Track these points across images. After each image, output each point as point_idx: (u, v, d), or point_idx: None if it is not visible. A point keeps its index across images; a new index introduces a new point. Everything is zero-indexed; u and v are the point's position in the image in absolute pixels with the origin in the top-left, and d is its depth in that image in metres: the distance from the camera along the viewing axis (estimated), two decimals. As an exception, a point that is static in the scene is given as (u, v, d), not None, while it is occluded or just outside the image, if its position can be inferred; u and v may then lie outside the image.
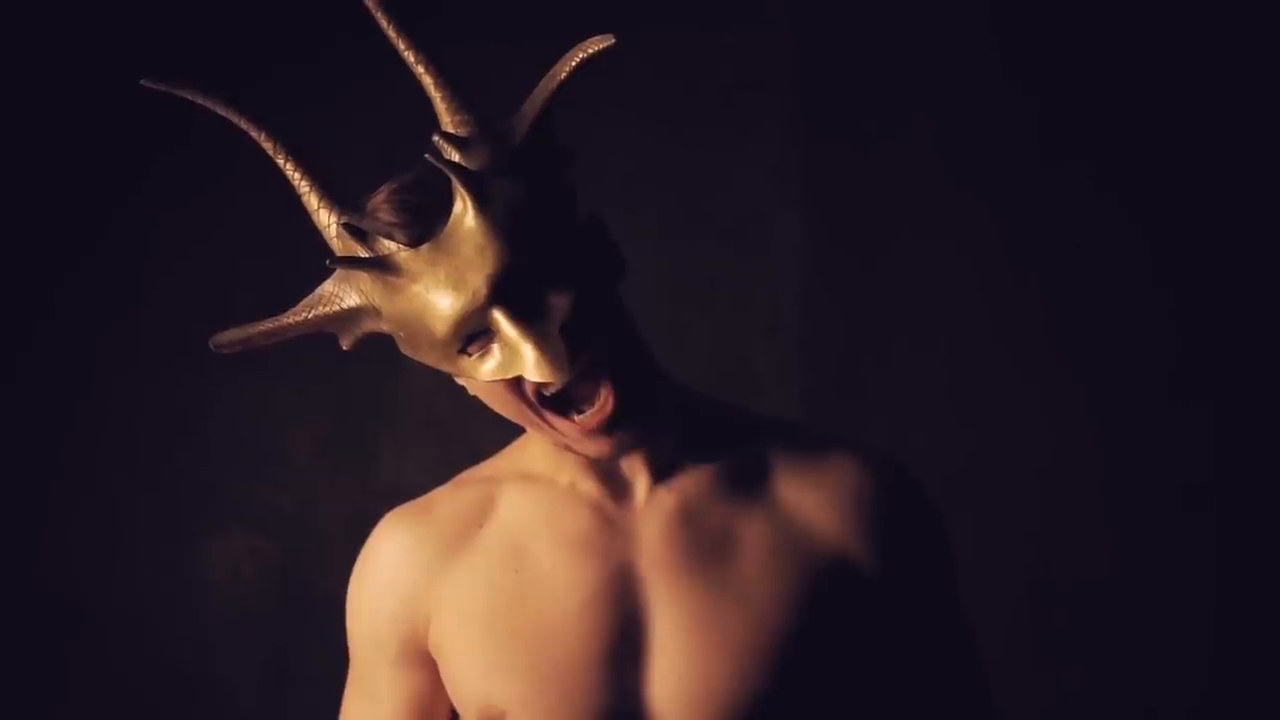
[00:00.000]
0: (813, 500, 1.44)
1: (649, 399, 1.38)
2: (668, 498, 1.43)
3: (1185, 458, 2.77)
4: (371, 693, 1.50)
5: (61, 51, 2.80)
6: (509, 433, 1.52)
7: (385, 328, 1.38)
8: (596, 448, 1.37)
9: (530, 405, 1.36)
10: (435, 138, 1.33)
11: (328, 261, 1.35)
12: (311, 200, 1.38)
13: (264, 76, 2.64)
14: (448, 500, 1.49)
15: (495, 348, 1.33)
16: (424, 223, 1.33)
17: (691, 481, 1.44)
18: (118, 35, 2.78)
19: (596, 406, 1.35)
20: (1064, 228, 2.78)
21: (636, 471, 1.43)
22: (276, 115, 1.40)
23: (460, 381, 1.40)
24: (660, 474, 1.44)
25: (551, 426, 1.37)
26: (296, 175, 1.39)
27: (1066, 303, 2.79)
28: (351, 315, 1.38)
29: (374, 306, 1.37)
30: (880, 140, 2.82)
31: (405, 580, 1.47)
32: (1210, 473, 2.76)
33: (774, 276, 2.83)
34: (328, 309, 1.38)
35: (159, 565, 2.85)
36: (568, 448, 1.39)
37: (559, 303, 1.32)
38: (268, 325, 1.39)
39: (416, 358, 1.38)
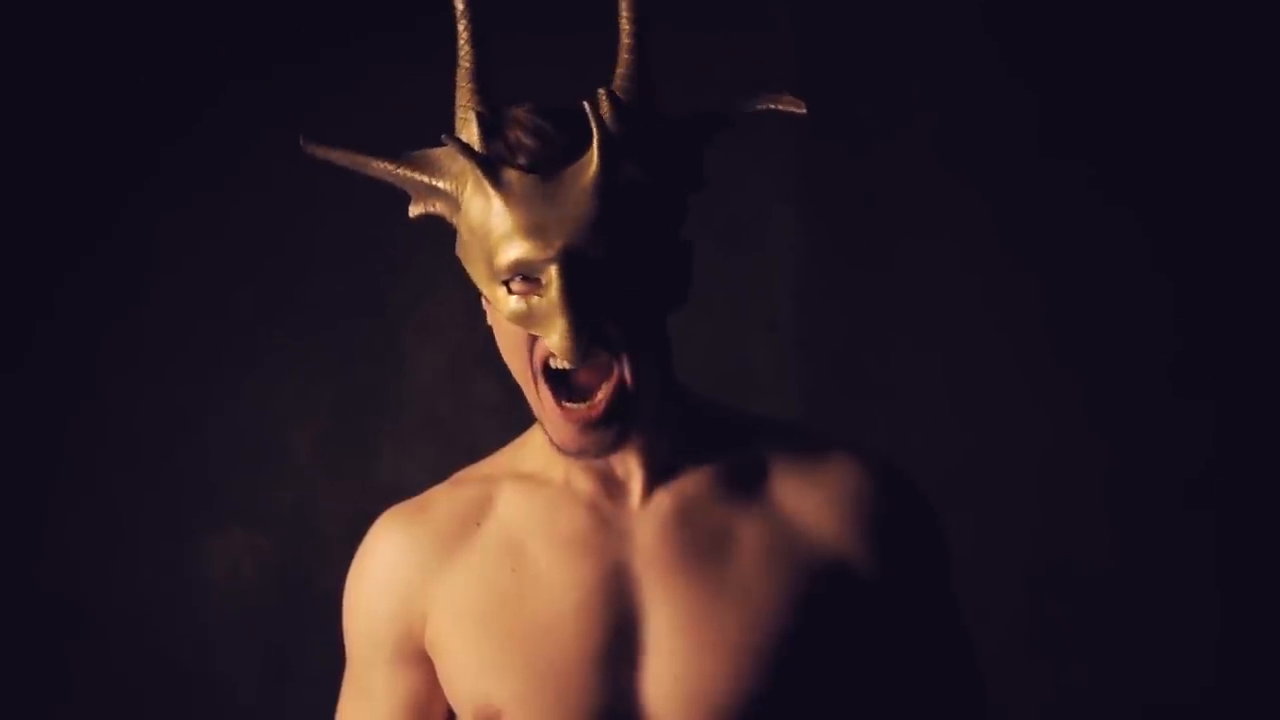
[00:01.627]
0: (810, 501, 1.44)
1: (641, 414, 1.38)
2: (665, 498, 1.44)
3: (1186, 454, 2.76)
4: (368, 691, 1.51)
5: (62, 50, 2.80)
6: (509, 432, 1.52)
7: (454, 222, 1.39)
8: (563, 437, 1.38)
9: (532, 365, 1.38)
10: (600, 90, 1.34)
11: (443, 136, 1.36)
12: (464, 76, 1.40)
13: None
14: (445, 499, 1.49)
15: (535, 299, 1.34)
16: (545, 155, 1.34)
17: (689, 482, 1.44)
18: (118, 34, 2.78)
19: (588, 404, 1.37)
20: (1063, 225, 2.78)
21: (632, 471, 1.44)
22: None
23: (485, 306, 1.41)
24: (657, 474, 1.44)
25: (538, 395, 1.38)
26: (467, 47, 1.40)
27: (1066, 299, 2.79)
28: (434, 192, 1.39)
29: (457, 199, 1.37)
30: (878, 138, 2.82)
31: (401, 579, 1.47)
32: (1211, 469, 2.76)
33: (771, 274, 2.83)
34: (418, 174, 1.39)
35: (159, 564, 2.85)
36: (539, 423, 1.41)
37: (613, 300, 1.33)
38: (355, 155, 1.41)
39: (464, 264, 1.39)
